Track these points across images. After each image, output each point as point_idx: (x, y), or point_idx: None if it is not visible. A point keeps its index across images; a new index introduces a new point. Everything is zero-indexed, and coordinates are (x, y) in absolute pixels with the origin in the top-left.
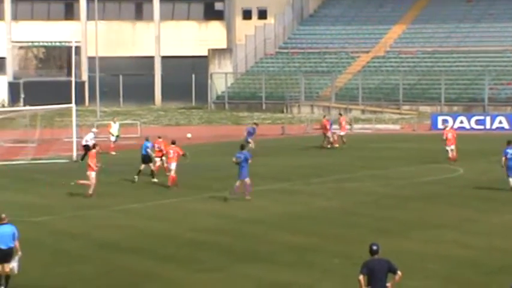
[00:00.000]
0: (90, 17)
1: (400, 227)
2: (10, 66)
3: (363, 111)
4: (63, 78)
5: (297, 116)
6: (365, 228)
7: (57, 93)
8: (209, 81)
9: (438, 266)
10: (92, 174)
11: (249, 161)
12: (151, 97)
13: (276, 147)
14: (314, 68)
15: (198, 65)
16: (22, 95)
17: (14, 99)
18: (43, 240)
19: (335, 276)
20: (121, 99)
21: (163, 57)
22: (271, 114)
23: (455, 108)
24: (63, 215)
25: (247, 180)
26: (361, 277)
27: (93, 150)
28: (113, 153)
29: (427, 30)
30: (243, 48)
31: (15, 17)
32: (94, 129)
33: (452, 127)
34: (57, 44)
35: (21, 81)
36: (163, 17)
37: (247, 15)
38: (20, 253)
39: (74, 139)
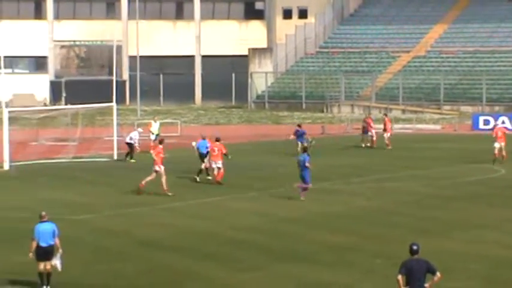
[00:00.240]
0: (131, 16)
1: (441, 227)
2: (52, 65)
3: (404, 111)
4: (104, 77)
5: (337, 115)
6: (405, 228)
7: (98, 92)
8: (249, 80)
9: (479, 266)
10: (157, 168)
11: (308, 165)
12: (191, 96)
13: (317, 146)
14: (354, 67)
15: (238, 64)
16: (64, 94)
17: (55, 97)
18: (84, 238)
19: (376, 276)
20: (161, 98)
21: (204, 57)
22: (311, 114)
23: (496, 108)
24: (104, 213)
25: (296, 185)
26: (399, 277)
27: (161, 146)
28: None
29: (468, 30)
30: (283, 47)
31: (57, 16)
32: (140, 129)
33: (502, 125)
34: (99, 43)
35: (62, 80)
36: (204, 17)
37: (287, 14)
38: (60, 250)
39: (115, 138)
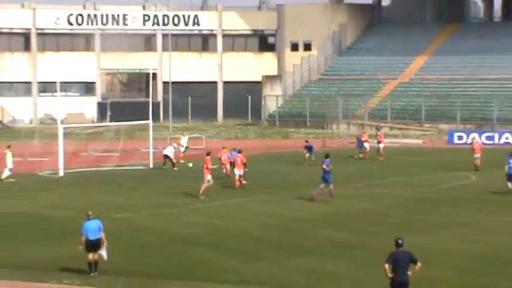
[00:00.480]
0: (164, 48)
1: (425, 227)
2: (99, 89)
3: (391, 128)
4: (142, 99)
5: (335, 131)
6: (395, 227)
7: (137, 111)
8: (262, 102)
9: (456, 259)
10: (208, 176)
11: (330, 169)
12: (214, 115)
13: (319, 157)
14: (350, 91)
15: (253, 89)
16: (109, 113)
17: (102, 116)
18: (124, 234)
19: (371, 267)
20: (189, 117)
21: (225, 82)
22: (314, 130)
23: (468, 126)
24: (142, 213)
25: (331, 185)
26: (386, 266)
27: (208, 157)
28: (182, 161)
29: (445, 61)
30: (291, 75)
31: (104, 48)
32: (174, 144)
33: (478, 140)
34: (137, 70)
35: (108, 101)
36: (225, 49)
37: (294, 47)
38: (106, 243)
39: (151, 150)
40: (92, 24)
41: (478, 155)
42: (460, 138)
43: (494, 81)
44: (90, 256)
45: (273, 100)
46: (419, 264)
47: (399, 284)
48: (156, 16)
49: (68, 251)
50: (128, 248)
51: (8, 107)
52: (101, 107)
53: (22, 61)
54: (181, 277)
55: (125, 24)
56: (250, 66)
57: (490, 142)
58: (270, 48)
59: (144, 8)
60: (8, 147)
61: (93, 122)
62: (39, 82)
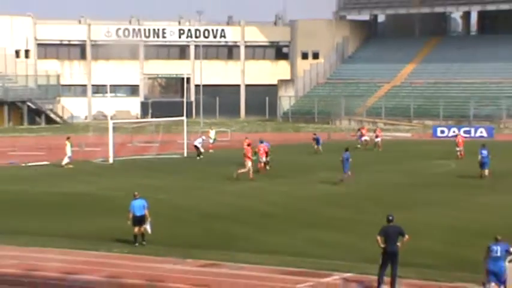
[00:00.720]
0: (196, 57)
1: (412, 205)
2: (142, 91)
3: (385, 124)
4: (178, 99)
5: (339, 126)
6: (389, 205)
7: (173, 109)
8: (278, 102)
9: (440, 232)
10: (249, 164)
11: (350, 160)
12: (237, 112)
13: (325, 147)
14: (351, 93)
15: (270, 91)
16: (150, 111)
17: (144, 113)
18: (164, 211)
19: (370, 238)
20: (217, 114)
21: (246, 85)
22: (321, 125)
23: (450, 122)
24: (176, 194)
25: (349, 173)
26: (378, 237)
27: (248, 146)
28: (211, 151)
29: (431, 67)
30: (302, 79)
31: (146, 57)
32: (203, 137)
33: (461, 134)
34: (174, 75)
35: (149, 101)
36: (247, 57)
37: (305, 56)
38: (149, 219)
39: (185, 141)
40: (137, 36)
41: (460, 148)
42: (442, 132)
43: (471, 85)
44: (136, 229)
45: (286, 100)
46: (407, 236)
47: (390, 253)
48: (189, 30)
49: (117, 224)
50: (168, 223)
51: (68, 106)
52: (144, 106)
53: (79, 68)
54: (218, 247)
55: (163, 36)
56: (267, 72)
57: (467, 135)
58: (284, 57)
59: (179, 23)
60: (68, 138)
61: (137, 118)
62: (93, 85)
